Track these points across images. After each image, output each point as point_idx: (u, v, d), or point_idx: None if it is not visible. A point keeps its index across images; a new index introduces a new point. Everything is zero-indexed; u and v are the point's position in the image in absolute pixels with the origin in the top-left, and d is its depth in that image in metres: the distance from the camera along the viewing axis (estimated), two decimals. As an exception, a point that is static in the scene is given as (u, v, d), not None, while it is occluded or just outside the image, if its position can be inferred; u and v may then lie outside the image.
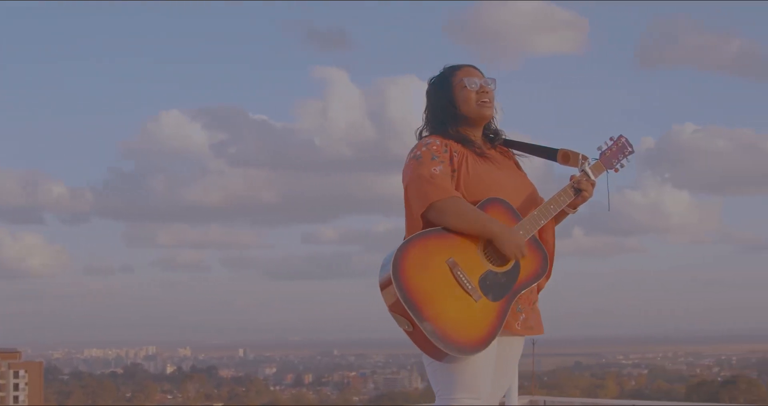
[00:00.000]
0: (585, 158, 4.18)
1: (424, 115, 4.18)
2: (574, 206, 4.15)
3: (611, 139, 4.30)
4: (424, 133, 4.14)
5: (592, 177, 4.15)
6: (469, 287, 3.78)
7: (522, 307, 4.01)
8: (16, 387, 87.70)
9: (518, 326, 3.99)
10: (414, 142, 4.08)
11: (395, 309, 3.74)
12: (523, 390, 9.33)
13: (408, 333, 3.77)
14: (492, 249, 3.88)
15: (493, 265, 3.86)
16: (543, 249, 4.01)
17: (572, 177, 4.14)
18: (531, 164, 4.28)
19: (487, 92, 4.09)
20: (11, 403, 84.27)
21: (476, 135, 4.14)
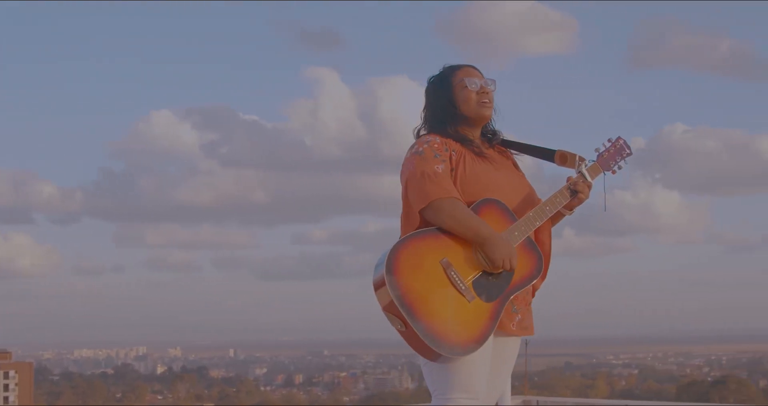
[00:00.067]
0: (582, 160, 4.18)
1: (423, 114, 4.18)
2: (570, 208, 4.15)
3: (609, 140, 4.31)
4: (422, 132, 4.14)
5: (589, 179, 4.15)
6: (463, 287, 3.78)
7: (518, 307, 4.01)
8: (6, 388, 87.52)
9: (513, 327, 3.98)
10: (412, 141, 4.08)
11: (389, 309, 3.74)
12: (515, 390, 9.35)
13: (401, 333, 3.76)
14: (485, 252, 3.88)
15: (487, 266, 3.86)
16: (538, 250, 4.01)
17: (569, 178, 4.15)
18: (522, 164, 4.28)
19: (487, 93, 4.09)
20: (1, 404, 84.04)
21: (475, 135, 4.14)
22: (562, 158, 4.21)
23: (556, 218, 4.17)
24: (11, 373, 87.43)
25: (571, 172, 4.17)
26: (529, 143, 4.26)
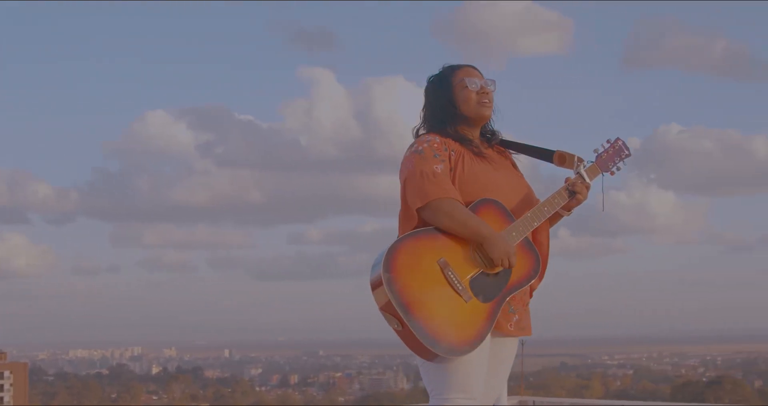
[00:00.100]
0: (581, 160, 4.17)
1: (422, 114, 4.17)
2: (568, 209, 4.15)
3: (608, 141, 4.30)
4: (421, 132, 4.14)
5: (587, 180, 4.15)
6: (460, 287, 3.78)
7: (515, 308, 4.01)
8: (1, 388, 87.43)
9: (511, 327, 3.98)
10: (408, 141, 4.07)
11: (386, 309, 3.74)
12: (510, 391, 9.35)
13: (398, 332, 3.76)
14: (484, 250, 3.88)
15: (485, 266, 3.86)
16: (535, 251, 4.01)
17: (567, 179, 4.14)
18: (519, 164, 4.27)
19: (487, 93, 4.09)
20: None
21: (474, 135, 4.13)
22: (561, 159, 4.20)
23: (554, 218, 4.16)
24: (6, 373, 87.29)
25: (570, 173, 4.18)
26: (527, 144, 4.27)
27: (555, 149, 4.22)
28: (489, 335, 3.86)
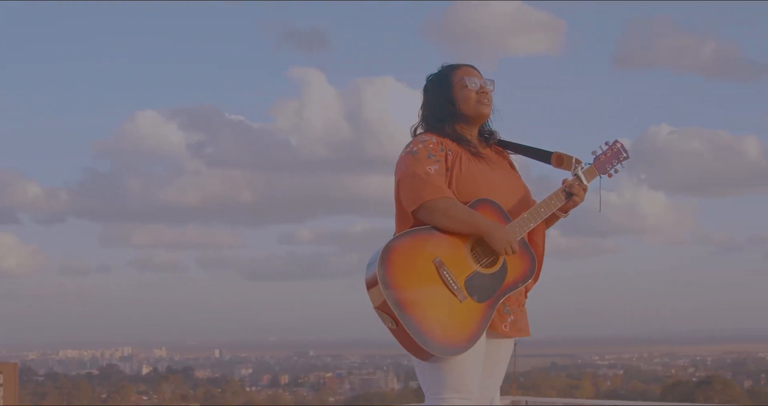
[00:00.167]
0: (578, 162, 4.18)
1: (420, 112, 4.18)
2: (565, 211, 4.15)
3: (606, 143, 4.31)
4: (419, 131, 4.14)
5: (585, 181, 4.15)
6: (455, 287, 3.79)
7: (511, 309, 4.01)
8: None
9: (505, 328, 3.99)
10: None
11: (381, 308, 3.75)
12: (502, 391, 9.36)
13: (392, 331, 3.78)
14: (480, 250, 3.88)
15: (481, 266, 3.86)
16: (531, 252, 4.02)
17: (564, 180, 4.14)
18: (515, 165, 4.27)
19: (486, 93, 4.10)
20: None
21: (472, 134, 4.14)
22: (559, 160, 4.20)
23: (551, 220, 4.16)
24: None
25: (567, 174, 4.17)
26: (525, 144, 4.27)
27: (553, 150, 4.23)
28: (484, 336, 3.86)
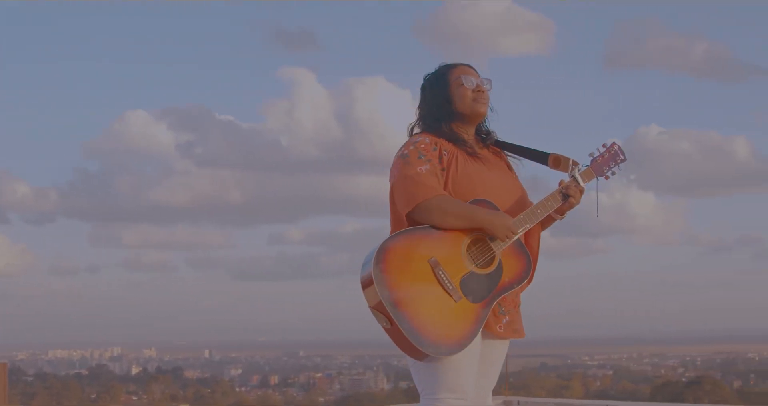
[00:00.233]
0: (575, 164, 4.19)
1: (417, 112, 4.19)
2: (561, 212, 4.15)
3: (603, 145, 4.32)
4: (416, 130, 4.15)
5: (582, 183, 4.16)
6: (450, 287, 3.79)
7: (506, 309, 4.01)
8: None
9: (500, 329, 3.99)
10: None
11: (377, 308, 3.75)
12: (494, 391, 9.40)
13: (387, 331, 3.78)
14: (476, 250, 3.88)
15: (476, 266, 3.87)
16: (527, 252, 4.02)
17: (561, 182, 4.14)
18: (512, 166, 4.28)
19: (482, 92, 4.11)
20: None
21: (469, 133, 4.15)
22: (556, 162, 4.21)
23: (547, 222, 4.17)
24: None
25: (563, 176, 4.17)
26: (523, 145, 4.27)
27: (550, 152, 4.23)
28: (479, 336, 3.86)
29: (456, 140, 4.07)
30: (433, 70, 4.21)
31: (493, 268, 3.90)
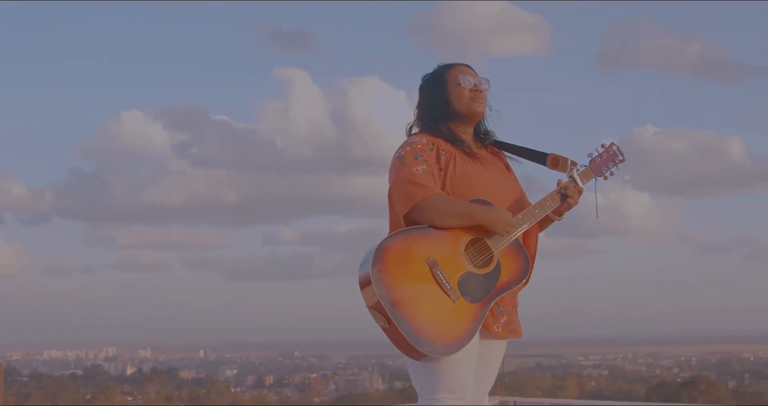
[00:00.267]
0: (574, 164, 4.18)
1: (416, 112, 4.19)
2: (559, 213, 4.15)
3: (602, 146, 4.31)
4: (414, 130, 4.15)
5: (580, 184, 4.15)
6: (448, 287, 3.78)
7: (504, 310, 4.01)
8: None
9: (498, 329, 3.99)
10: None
11: (375, 307, 3.74)
12: (490, 391, 9.40)
13: (384, 330, 3.77)
14: (474, 250, 3.88)
15: (475, 266, 3.86)
16: (525, 253, 4.01)
17: (559, 182, 4.14)
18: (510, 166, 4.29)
19: (480, 91, 4.11)
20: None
21: (467, 133, 4.15)
22: (554, 162, 4.20)
23: (545, 223, 4.16)
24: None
25: (561, 176, 4.17)
26: (521, 145, 4.26)
27: (549, 152, 4.23)
28: (477, 336, 3.86)
29: (454, 140, 4.06)
30: (431, 71, 4.20)
31: (491, 268, 3.89)
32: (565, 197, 4.10)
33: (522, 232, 4.00)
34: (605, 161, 4.29)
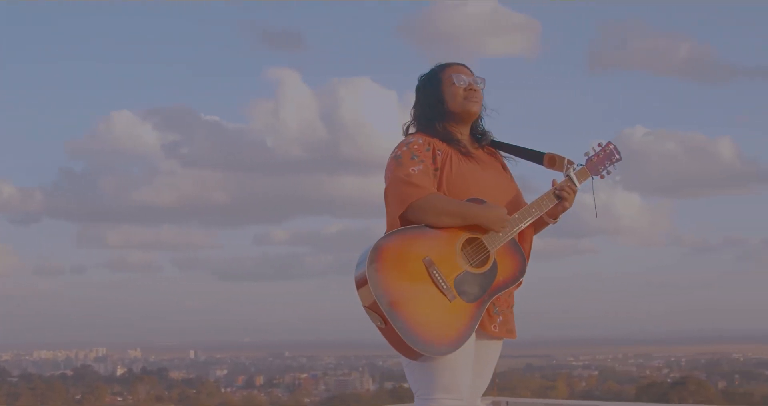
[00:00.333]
0: (570, 163, 4.17)
1: (412, 112, 4.18)
2: (554, 216, 4.14)
3: (599, 145, 4.31)
4: (411, 130, 4.15)
5: (576, 183, 4.15)
6: (444, 286, 3.78)
7: (500, 309, 4.00)
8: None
9: (494, 328, 3.98)
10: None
11: (371, 307, 3.74)
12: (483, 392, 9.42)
13: (381, 330, 3.77)
14: (470, 249, 3.88)
15: (471, 265, 3.85)
16: (521, 252, 4.00)
17: (554, 182, 4.13)
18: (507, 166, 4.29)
19: (475, 90, 4.10)
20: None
21: (463, 133, 4.14)
22: (551, 161, 4.20)
23: (539, 226, 4.16)
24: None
25: (557, 175, 4.17)
26: (518, 145, 4.26)
27: (545, 151, 4.23)
28: (474, 336, 3.86)
29: (450, 140, 4.06)
30: (427, 71, 4.20)
31: (487, 267, 3.88)
32: (560, 197, 4.10)
33: (518, 231, 4.00)
34: (602, 160, 4.28)
